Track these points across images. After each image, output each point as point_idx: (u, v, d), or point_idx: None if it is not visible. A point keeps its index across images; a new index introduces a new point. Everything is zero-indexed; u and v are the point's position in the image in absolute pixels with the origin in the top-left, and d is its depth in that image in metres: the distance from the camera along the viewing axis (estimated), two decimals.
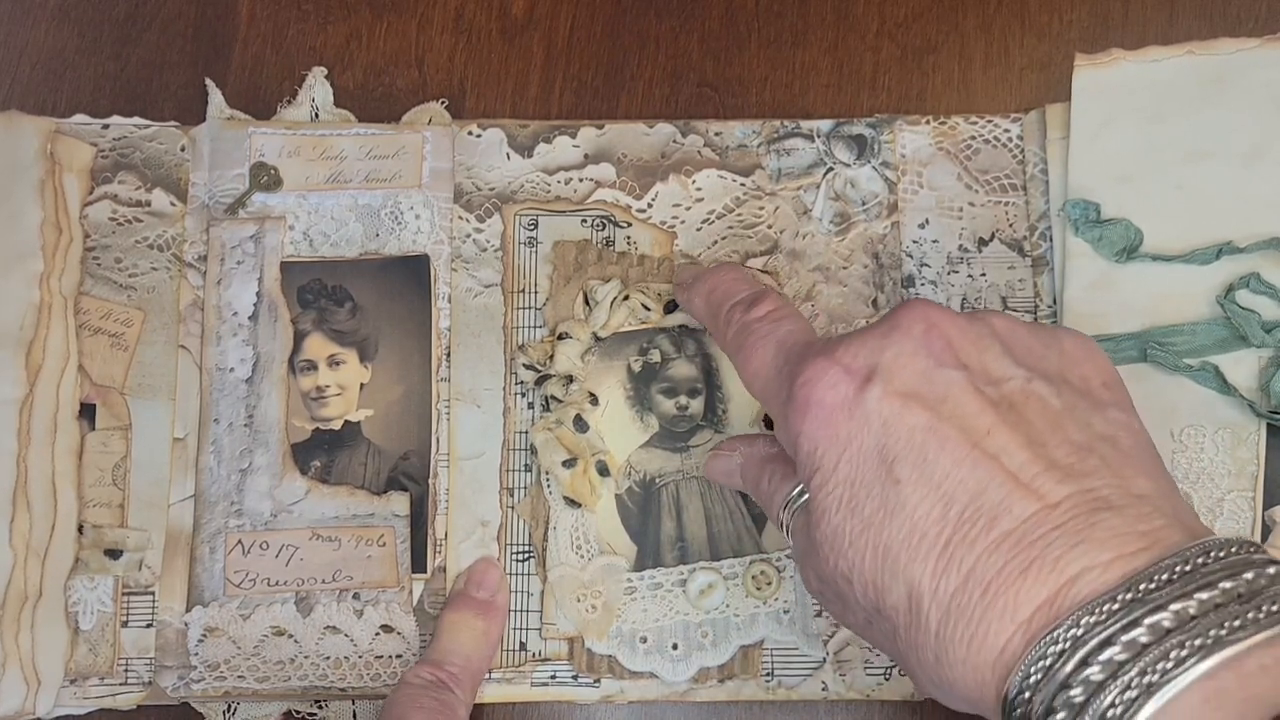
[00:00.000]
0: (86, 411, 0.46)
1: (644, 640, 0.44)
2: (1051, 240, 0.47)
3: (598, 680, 0.44)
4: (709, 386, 0.46)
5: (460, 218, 0.48)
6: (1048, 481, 0.29)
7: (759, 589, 0.44)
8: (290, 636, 0.44)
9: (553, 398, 0.45)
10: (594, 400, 0.46)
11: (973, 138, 0.48)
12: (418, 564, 0.45)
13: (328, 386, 0.46)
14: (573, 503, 0.45)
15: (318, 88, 0.49)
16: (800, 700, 0.43)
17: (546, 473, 0.45)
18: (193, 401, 0.46)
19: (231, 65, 0.50)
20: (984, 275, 0.47)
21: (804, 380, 0.32)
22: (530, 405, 0.46)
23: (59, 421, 0.45)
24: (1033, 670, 0.26)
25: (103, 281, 0.47)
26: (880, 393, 0.31)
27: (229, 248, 0.47)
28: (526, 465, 0.46)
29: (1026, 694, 0.26)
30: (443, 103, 0.49)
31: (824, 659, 0.43)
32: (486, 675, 0.44)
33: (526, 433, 0.46)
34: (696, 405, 0.46)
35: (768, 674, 0.43)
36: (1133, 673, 0.25)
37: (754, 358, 0.36)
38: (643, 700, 0.44)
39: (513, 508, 0.45)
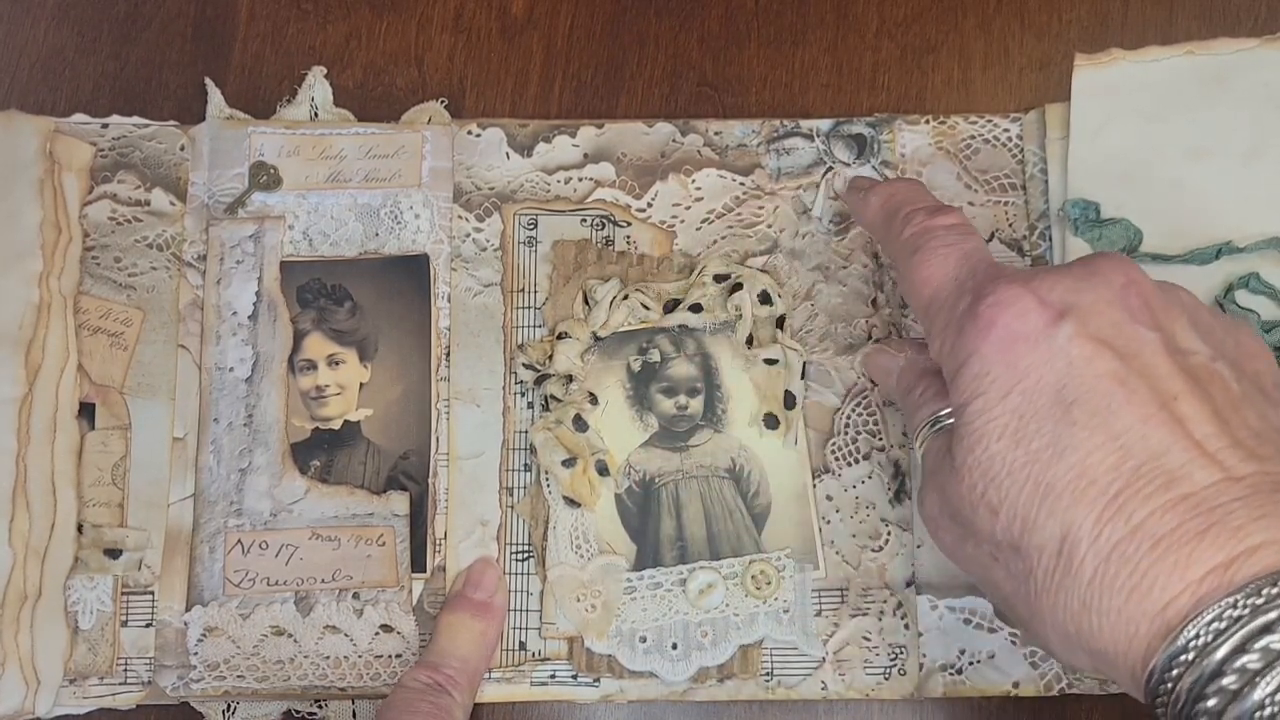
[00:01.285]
0: (86, 411, 0.46)
1: (643, 640, 0.44)
2: (1051, 240, 0.47)
3: (597, 680, 0.44)
4: (708, 386, 0.46)
5: (460, 217, 0.48)
6: (1232, 456, 0.29)
7: (758, 589, 0.44)
8: (290, 636, 0.44)
9: (552, 397, 0.45)
10: (593, 400, 0.46)
11: (972, 137, 0.48)
12: (417, 563, 0.45)
13: (327, 386, 0.46)
14: (572, 502, 0.45)
15: (317, 87, 0.49)
16: (799, 700, 0.43)
17: (546, 472, 0.45)
18: (192, 401, 0.46)
19: (231, 64, 0.50)
20: None
21: (994, 300, 0.32)
22: (530, 405, 0.46)
23: (58, 421, 0.45)
24: (1204, 632, 0.26)
25: (102, 281, 0.47)
26: (1072, 331, 0.31)
27: (228, 247, 0.47)
28: (526, 465, 0.46)
29: (1190, 655, 0.26)
30: (442, 102, 0.49)
31: (823, 658, 0.43)
32: (486, 675, 0.44)
33: (526, 432, 0.46)
34: (696, 404, 0.46)
35: (767, 673, 0.43)
36: None
37: (930, 262, 0.35)
38: (642, 700, 0.44)
39: (512, 507, 0.45)
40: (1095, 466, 0.29)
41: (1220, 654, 0.26)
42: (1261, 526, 0.27)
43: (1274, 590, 0.26)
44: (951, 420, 0.34)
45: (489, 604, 0.43)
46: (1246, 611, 0.26)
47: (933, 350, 0.35)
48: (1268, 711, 0.25)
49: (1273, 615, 0.25)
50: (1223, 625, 0.26)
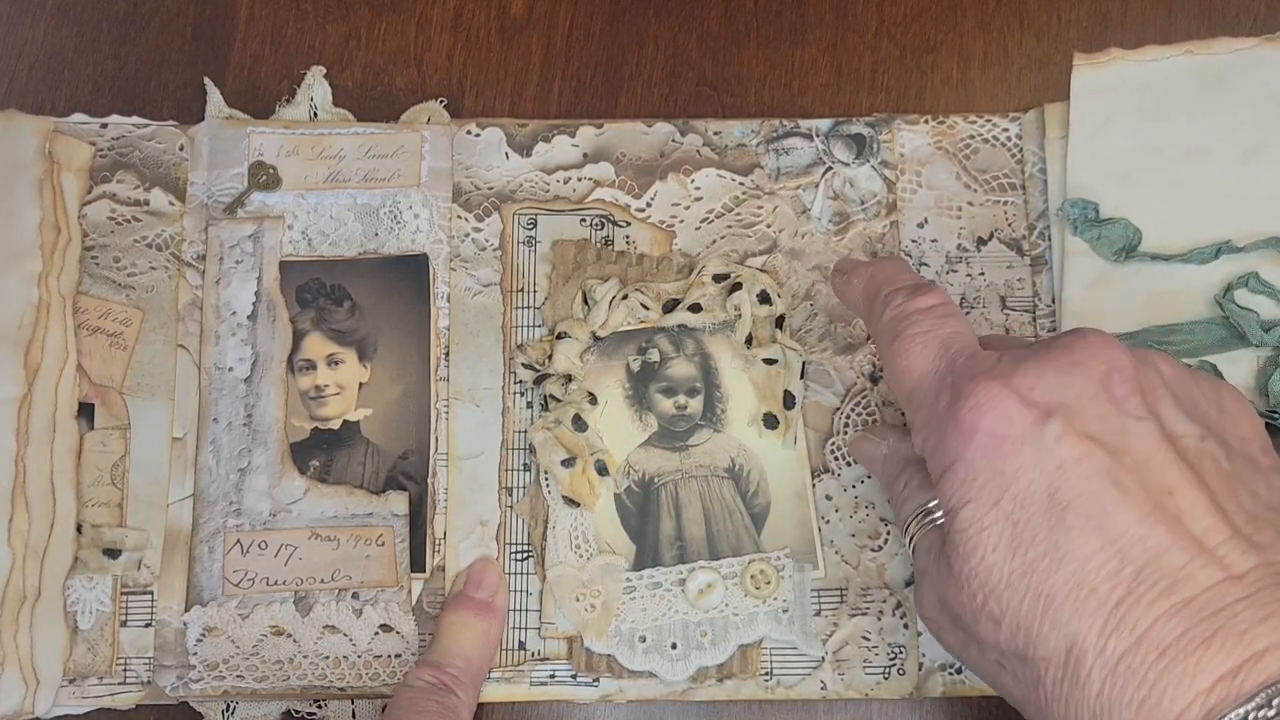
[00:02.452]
0: (85, 411, 0.46)
1: (643, 639, 0.44)
2: (1050, 239, 0.47)
3: (597, 679, 0.44)
4: (708, 386, 0.46)
5: (459, 217, 0.48)
6: (1233, 551, 0.28)
7: (758, 588, 0.44)
8: (289, 636, 0.44)
9: (551, 397, 0.45)
10: (593, 399, 0.46)
11: (971, 137, 0.48)
12: (417, 563, 0.45)
13: (326, 386, 0.46)
14: (571, 502, 0.45)
15: (316, 87, 0.49)
16: (799, 699, 0.43)
17: (545, 472, 0.45)
18: (191, 401, 0.46)
19: (230, 64, 0.50)
20: (983, 274, 0.47)
21: (974, 404, 0.31)
22: (529, 404, 0.46)
23: (57, 421, 0.45)
24: None
25: (101, 281, 0.47)
26: (1060, 431, 0.30)
27: (228, 247, 0.47)
28: (525, 464, 0.46)
29: None
30: (441, 102, 0.49)
31: (822, 658, 0.43)
32: (487, 675, 0.44)
33: (525, 432, 0.46)
34: (695, 405, 0.46)
35: (766, 673, 0.43)
36: None
37: (910, 352, 0.34)
38: (641, 699, 0.44)
39: (511, 507, 0.45)
40: (1095, 574, 0.28)
41: None
42: (1268, 629, 0.27)
43: (1270, 713, 0.25)
44: (940, 515, 0.34)
45: (491, 603, 0.43)
46: None
47: (916, 444, 0.34)
48: None
49: None
50: None
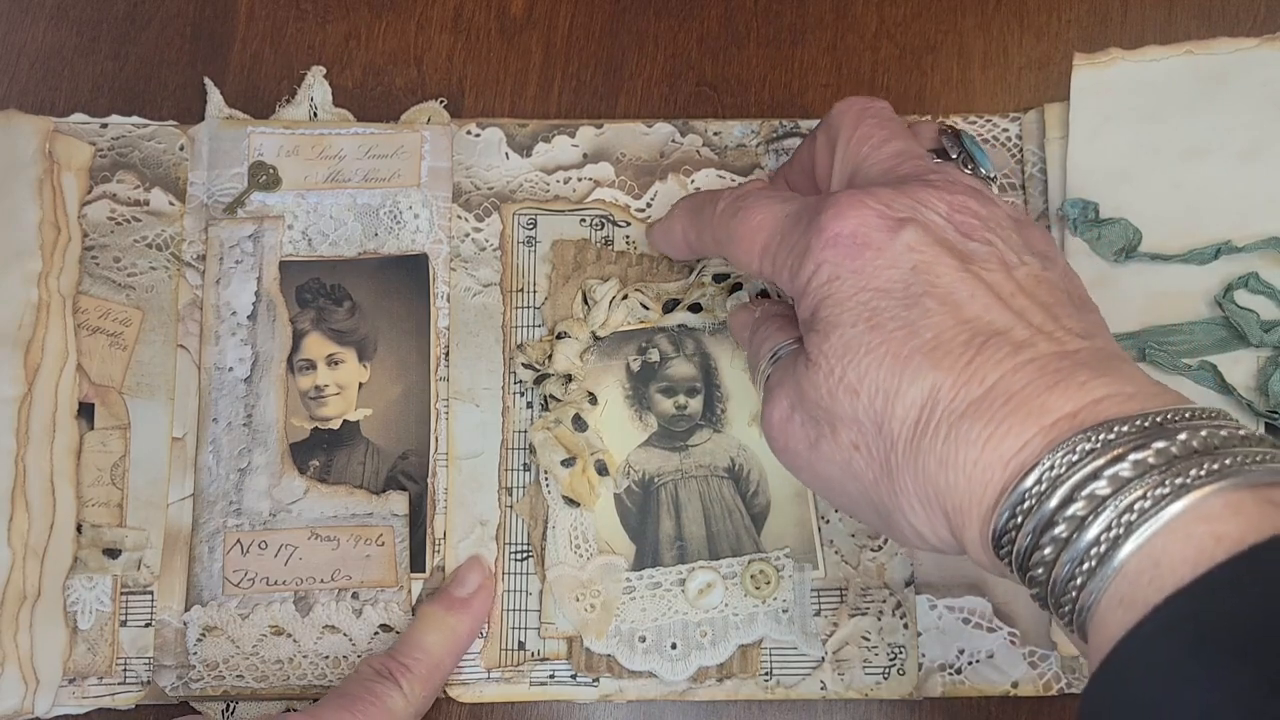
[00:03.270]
0: (85, 411, 0.46)
1: (643, 639, 0.44)
2: None
3: (596, 679, 0.44)
4: (708, 386, 0.46)
5: (459, 217, 0.48)
6: (1066, 335, 0.30)
7: (757, 588, 0.44)
8: (289, 636, 0.44)
9: (551, 397, 0.45)
10: (593, 399, 0.46)
11: None
12: (416, 563, 0.45)
13: (326, 386, 0.46)
14: (571, 502, 0.45)
15: (316, 87, 0.49)
16: (799, 699, 0.43)
17: (545, 472, 0.45)
18: (191, 401, 0.46)
19: (230, 64, 0.50)
20: None
21: (835, 212, 0.33)
22: (529, 404, 0.46)
23: (57, 421, 0.45)
24: (1058, 463, 0.27)
25: (101, 281, 0.47)
26: (914, 237, 0.32)
27: (227, 247, 0.47)
28: (525, 464, 0.46)
29: (1043, 485, 0.27)
30: (441, 102, 0.49)
31: (822, 658, 0.43)
32: (485, 675, 0.44)
33: (525, 432, 0.46)
34: (695, 404, 0.46)
35: (766, 673, 0.43)
36: (1168, 472, 0.26)
37: (756, 211, 0.36)
38: (641, 699, 0.44)
39: (511, 507, 0.45)
40: (949, 340, 0.30)
41: (1053, 503, 0.27)
42: (1104, 384, 0.29)
43: (1109, 436, 0.27)
44: (794, 346, 0.36)
45: (468, 601, 0.43)
46: (1077, 458, 0.27)
47: (781, 284, 0.36)
48: (1093, 552, 0.26)
49: (1100, 462, 0.27)
50: (1055, 473, 0.27)
